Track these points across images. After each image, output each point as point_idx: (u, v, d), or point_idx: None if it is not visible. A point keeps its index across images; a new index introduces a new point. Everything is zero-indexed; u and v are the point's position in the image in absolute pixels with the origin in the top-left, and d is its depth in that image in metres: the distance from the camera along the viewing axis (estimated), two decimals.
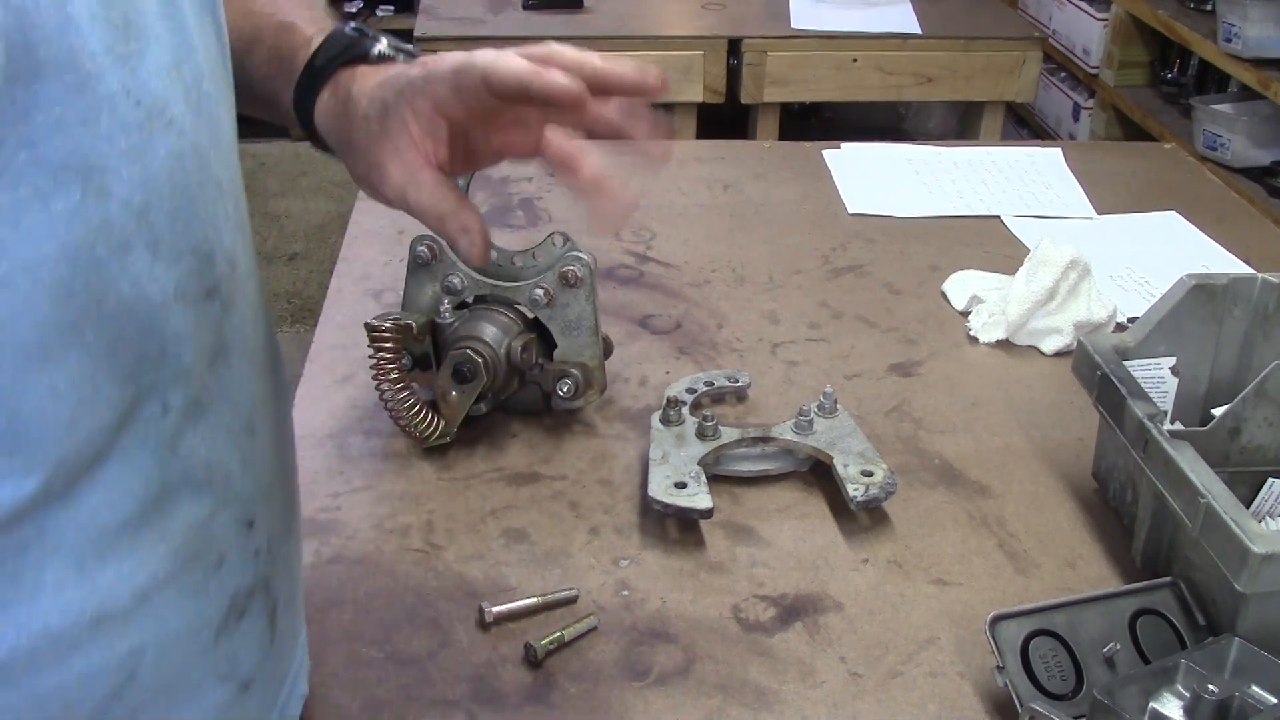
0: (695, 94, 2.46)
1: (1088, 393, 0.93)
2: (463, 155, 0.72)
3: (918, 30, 2.49)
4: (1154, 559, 0.88)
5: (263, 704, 0.63)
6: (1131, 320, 1.19)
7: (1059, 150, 1.67)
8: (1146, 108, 3.04)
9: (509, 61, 0.62)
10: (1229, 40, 2.55)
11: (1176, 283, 0.97)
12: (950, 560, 0.91)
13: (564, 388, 1.00)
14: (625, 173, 0.69)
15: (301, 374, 1.11)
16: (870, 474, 0.94)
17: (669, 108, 2.52)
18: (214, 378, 0.54)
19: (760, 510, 0.96)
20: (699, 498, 0.90)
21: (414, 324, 0.99)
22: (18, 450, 0.45)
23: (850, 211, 1.48)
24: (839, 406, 1.01)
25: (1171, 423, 0.94)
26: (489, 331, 0.99)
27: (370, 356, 0.98)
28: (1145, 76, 3.18)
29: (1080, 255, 1.18)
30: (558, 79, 0.62)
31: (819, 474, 0.99)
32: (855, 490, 0.92)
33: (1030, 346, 1.20)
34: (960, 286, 1.28)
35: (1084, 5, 3.27)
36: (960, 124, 2.88)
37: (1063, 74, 3.46)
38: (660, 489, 0.91)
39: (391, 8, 4.18)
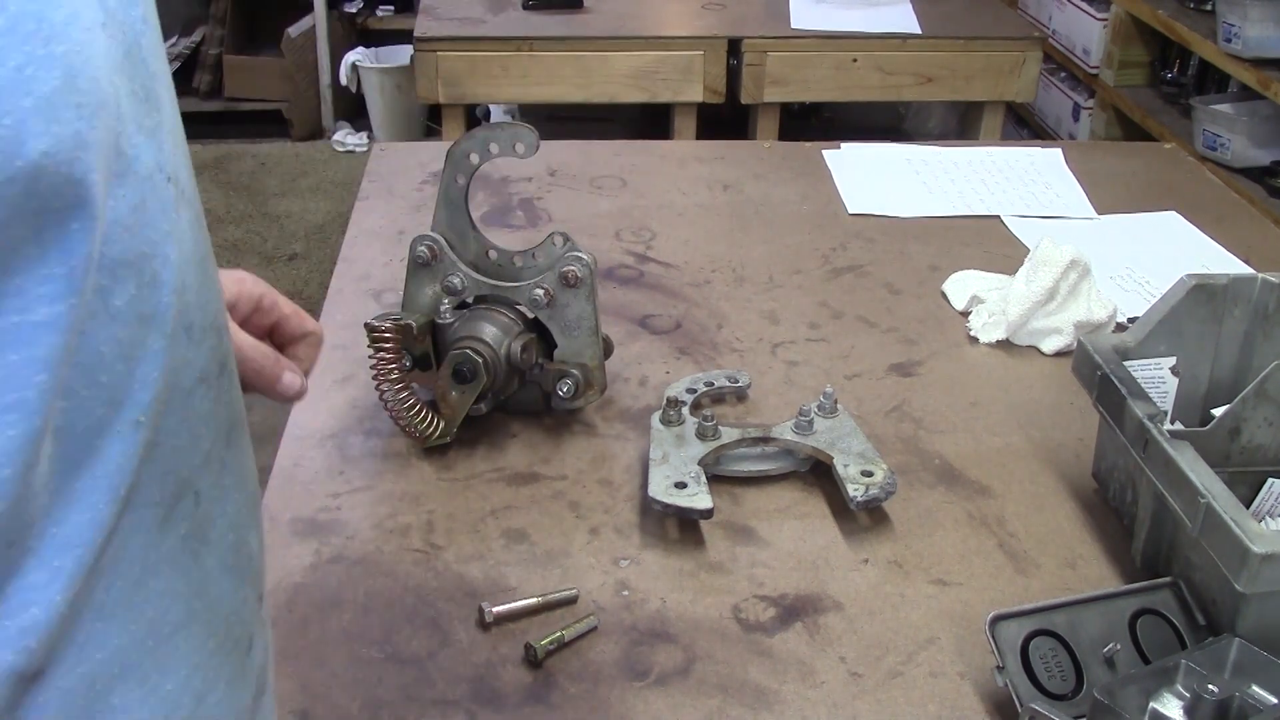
0: (695, 94, 2.46)
1: (1088, 393, 0.93)
2: None
3: (918, 30, 2.49)
4: (1154, 559, 0.88)
5: None
6: (1131, 320, 1.19)
7: (1059, 150, 1.67)
8: (1146, 108, 3.04)
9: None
10: (1229, 40, 2.55)
11: (1176, 283, 0.97)
12: (950, 560, 0.91)
13: (564, 388, 1.00)
14: None
15: None
16: (870, 474, 0.94)
17: (669, 108, 2.53)
18: (230, 454, 0.52)
19: (760, 510, 0.96)
20: (699, 498, 0.90)
21: (414, 324, 0.99)
22: (63, 556, 0.42)
23: (850, 211, 1.48)
24: (839, 406, 1.01)
25: (1171, 423, 0.94)
26: (489, 331, 0.99)
27: (370, 356, 0.98)
28: (1145, 76, 3.18)
29: (1080, 255, 1.18)
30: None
31: (819, 474, 0.99)
32: (855, 490, 0.92)
33: (1030, 346, 1.20)
34: (960, 286, 1.28)
35: (1084, 5, 3.27)
36: (960, 124, 2.88)
37: (1063, 74, 3.46)
38: (660, 489, 0.91)
39: (391, 8, 4.18)
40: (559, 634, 0.81)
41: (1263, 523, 0.90)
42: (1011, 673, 0.75)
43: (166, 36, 4.14)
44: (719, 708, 0.78)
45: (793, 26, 2.49)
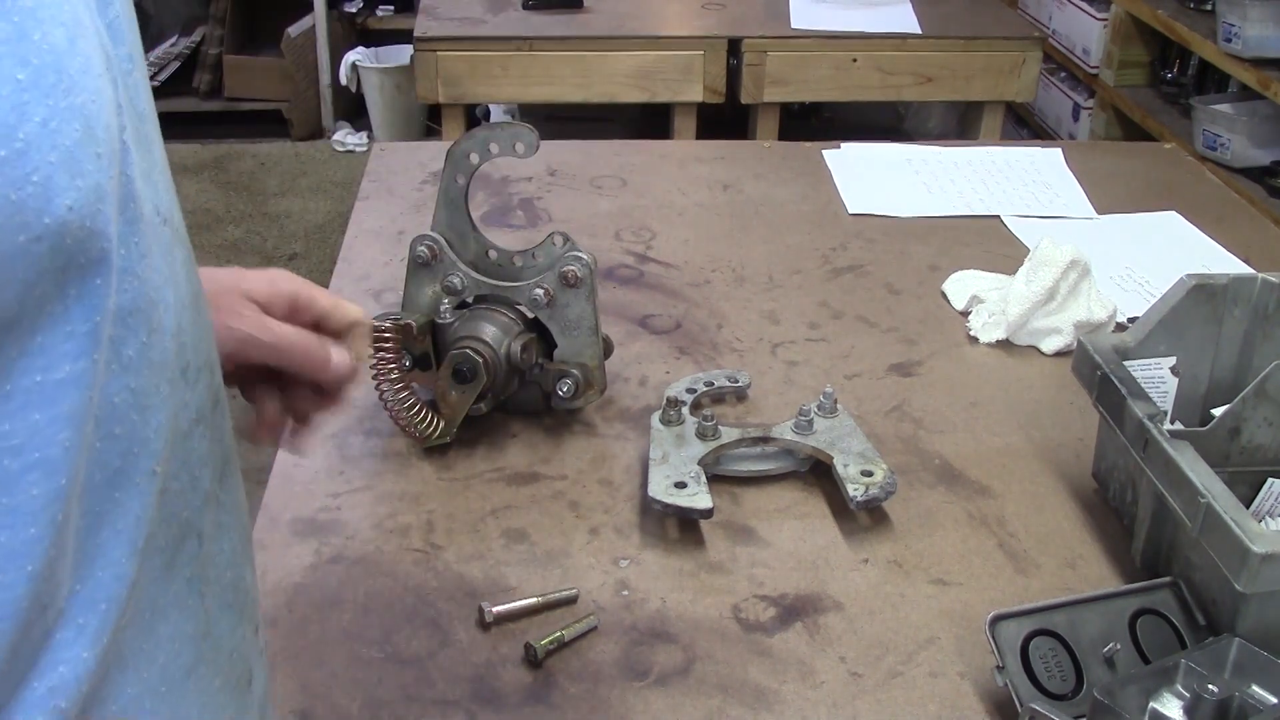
0: (695, 94, 2.46)
1: (1088, 393, 0.93)
2: None
3: (918, 30, 2.49)
4: (1154, 559, 0.88)
5: None
6: (1131, 320, 1.19)
7: (1059, 150, 1.67)
8: (1146, 108, 3.04)
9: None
10: (1229, 40, 2.55)
11: (1176, 283, 0.97)
12: (950, 560, 0.91)
13: (564, 388, 1.00)
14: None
15: None
16: (870, 474, 0.94)
17: (669, 108, 2.53)
18: (224, 491, 0.51)
19: (760, 510, 0.96)
20: (699, 498, 0.90)
21: (414, 324, 0.99)
22: (88, 614, 0.41)
23: (850, 211, 1.48)
24: (839, 406, 1.01)
25: (1171, 423, 0.94)
26: (489, 331, 0.99)
27: (370, 356, 0.98)
28: (1145, 76, 3.18)
29: (1080, 255, 1.18)
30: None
31: (819, 474, 0.99)
32: (855, 490, 0.92)
33: (1030, 346, 1.20)
34: (960, 286, 1.28)
35: (1084, 5, 3.27)
36: (960, 124, 2.88)
37: (1063, 74, 3.46)
38: (660, 489, 0.91)
39: (391, 8, 4.18)
40: (559, 634, 0.81)
41: (1263, 523, 0.90)
42: (1011, 673, 0.75)
43: (166, 37, 4.15)
44: (719, 708, 0.78)
45: (793, 26, 2.49)
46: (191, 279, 0.47)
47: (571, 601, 0.85)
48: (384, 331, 0.97)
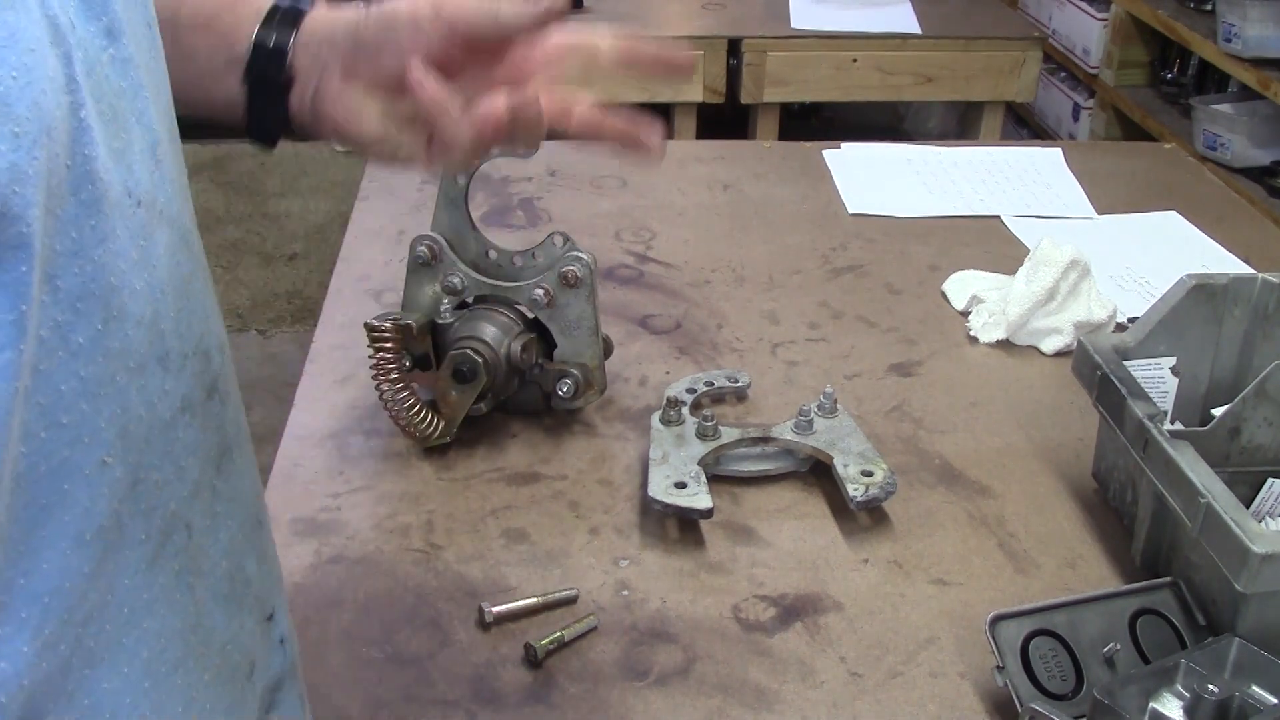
0: (695, 94, 2.46)
1: (1088, 393, 0.93)
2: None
3: (918, 30, 2.49)
4: (1154, 559, 0.88)
5: None
6: (1131, 320, 1.19)
7: (1059, 150, 1.67)
8: (1146, 108, 3.04)
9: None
10: (1229, 40, 2.55)
11: (1176, 283, 0.97)
12: (950, 560, 0.91)
13: (564, 388, 1.00)
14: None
15: (301, 374, 1.11)
16: (870, 474, 0.94)
17: (669, 108, 2.53)
18: (222, 480, 0.50)
19: (760, 510, 0.96)
20: (699, 498, 0.90)
21: (414, 324, 0.99)
22: (30, 607, 0.39)
23: (850, 211, 1.48)
24: (839, 406, 1.01)
25: (1171, 423, 0.94)
26: (489, 331, 0.99)
27: (370, 356, 0.98)
28: (1145, 76, 3.18)
29: (1080, 255, 1.18)
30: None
31: (819, 474, 0.99)
32: (855, 490, 0.92)
33: (1030, 346, 1.20)
34: (960, 286, 1.28)
35: (1084, 5, 3.27)
36: (960, 124, 2.88)
37: (1063, 74, 3.46)
38: (660, 489, 0.91)
39: None
40: (559, 634, 0.81)
41: (1263, 523, 0.90)
42: (1011, 673, 0.75)
43: None
44: (719, 708, 0.78)
45: (793, 26, 2.49)
46: (179, 263, 0.45)
47: (571, 601, 0.85)
48: (384, 331, 0.97)
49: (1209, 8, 2.76)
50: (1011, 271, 1.23)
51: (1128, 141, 2.93)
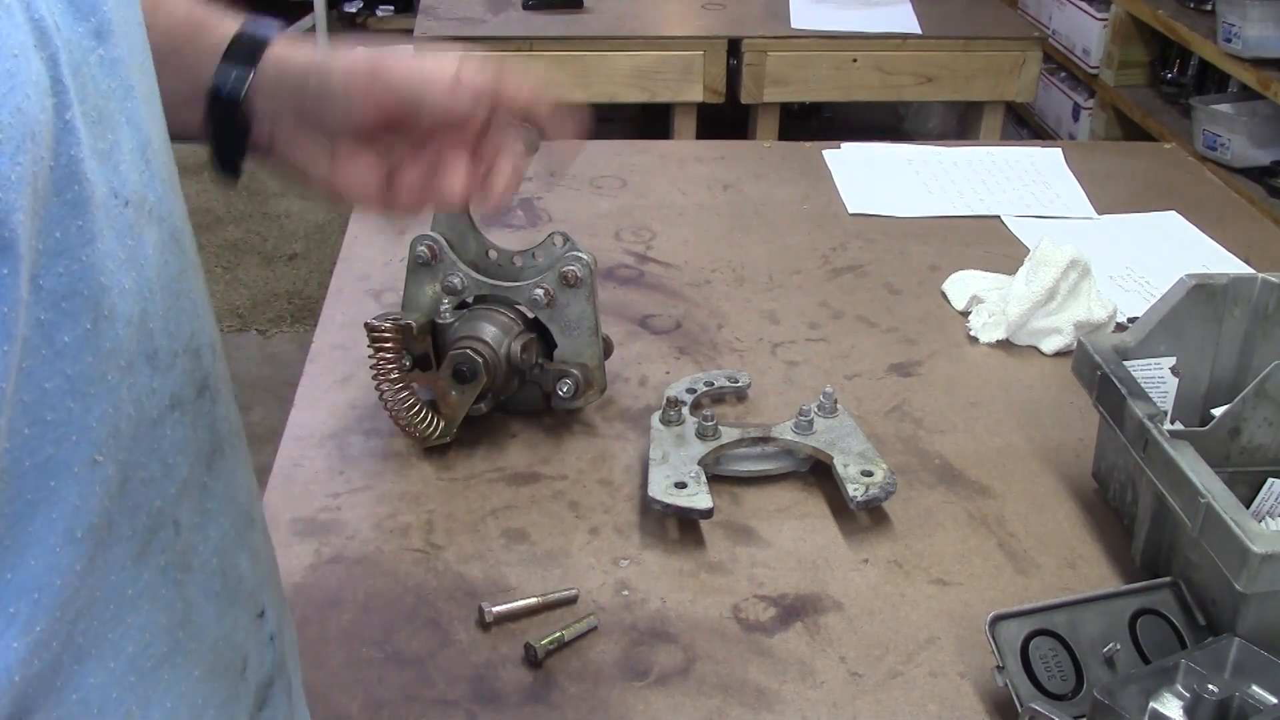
0: (695, 94, 2.46)
1: (1088, 393, 0.93)
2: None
3: (918, 30, 2.49)
4: (1154, 559, 0.88)
5: None
6: (1131, 320, 1.19)
7: (1059, 150, 1.67)
8: (1146, 108, 3.04)
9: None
10: (1229, 40, 2.55)
11: (1176, 283, 0.97)
12: (950, 560, 0.91)
13: (564, 388, 1.00)
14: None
15: (301, 374, 1.11)
16: (870, 474, 0.94)
17: (669, 108, 2.53)
18: (213, 478, 0.50)
19: (760, 510, 0.96)
20: (699, 498, 0.90)
21: (414, 324, 0.99)
22: (18, 602, 0.39)
23: (850, 211, 1.48)
24: (839, 406, 1.01)
25: (1171, 423, 0.94)
26: (489, 331, 0.99)
27: (370, 356, 0.98)
28: (1145, 76, 3.18)
29: (1080, 255, 1.18)
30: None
31: (819, 474, 0.99)
32: (855, 490, 0.92)
33: (1030, 346, 1.20)
34: (960, 286, 1.28)
35: (1084, 5, 3.27)
36: (960, 124, 2.88)
37: (1063, 74, 3.46)
38: (660, 489, 0.91)
39: (391, 8, 4.18)
40: (559, 634, 0.81)
41: (1263, 523, 0.90)
42: (1011, 673, 0.75)
43: None
44: (719, 708, 0.78)
45: (793, 26, 2.49)
46: (169, 261, 0.46)
47: (571, 601, 0.85)
48: (384, 331, 0.97)
49: (1209, 8, 2.76)
50: (1011, 271, 1.23)
51: (1128, 141, 2.93)
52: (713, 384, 1.09)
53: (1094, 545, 0.94)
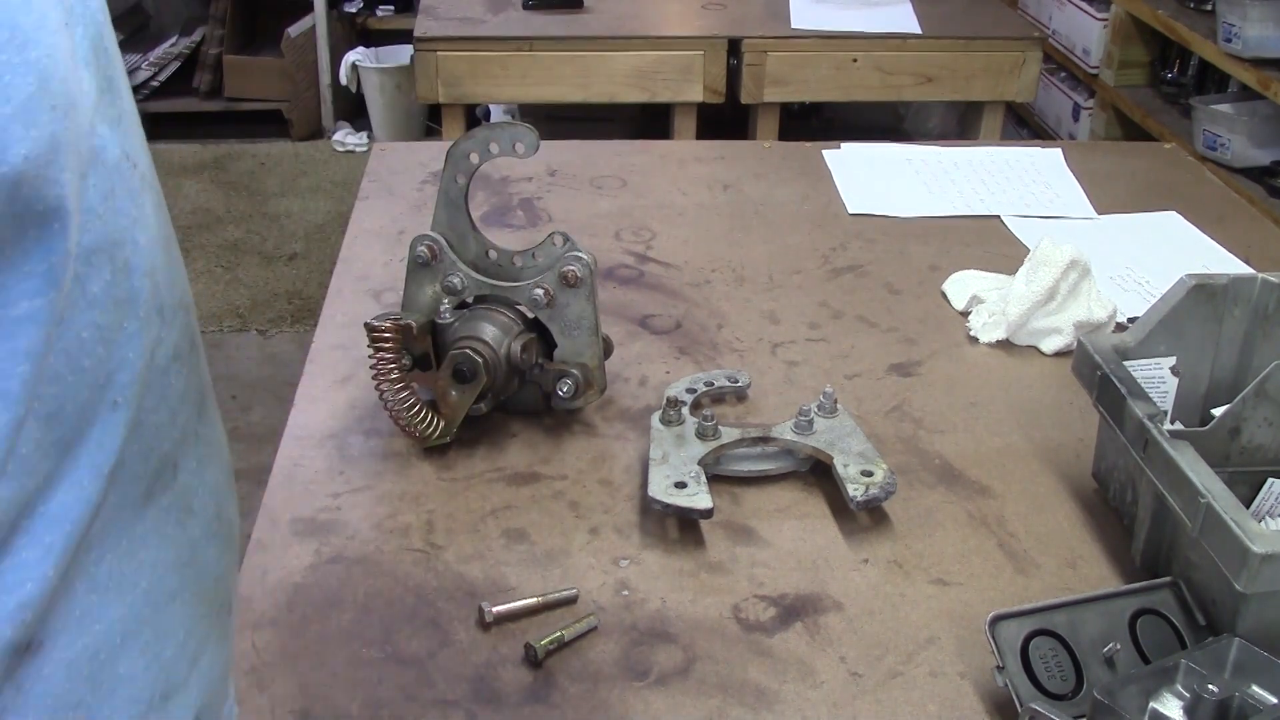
0: (695, 94, 2.46)
1: (1088, 393, 0.93)
2: None
3: (918, 30, 2.49)
4: (1154, 559, 0.88)
5: None
6: (1131, 320, 1.19)
7: (1059, 150, 1.67)
8: (1146, 108, 3.04)
9: None
10: (1229, 40, 2.55)
11: (1176, 283, 0.97)
12: (950, 560, 0.91)
13: (564, 388, 1.00)
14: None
15: (301, 374, 1.11)
16: (870, 474, 0.94)
17: (669, 108, 2.53)
18: (204, 427, 0.54)
19: (760, 510, 0.96)
20: (699, 498, 0.90)
21: (414, 324, 0.99)
22: (53, 532, 0.44)
23: (850, 211, 1.48)
24: (839, 406, 1.01)
25: (1171, 423, 0.94)
26: (489, 331, 0.99)
27: (370, 356, 0.98)
28: (1145, 76, 3.19)
29: (1080, 255, 1.18)
30: None
31: (819, 474, 0.99)
32: (855, 490, 0.92)
33: (1030, 346, 1.20)
34: (960, 286, 1.28)
35: (1084, 5, 3.27)
36: (960, 124, 2.88)
37: (1063, 74, 3.46)
38: (660, 489, 0.91)
39: (391, 8, 4.18)
40: (559, 634, 0.81)
41: (1263, 523, 0.90)
42: (1011, 673, 0.75)
43: (166, 37, 4.15)
44: (719, 708, 0.78)
45: (793, 26, 2.49)
46: (162, 223, 0.50)
47: (571, 601, 0.85)
48: (384, 331, 0.97)
49: (1209, 8, 2.77)
50: (1011, 271, 1.23)
51: (1128, 141, 2.93)
52: (713, 384, 1.09)
53: (1094, 545, 0.94)
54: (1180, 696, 0.70)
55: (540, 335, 1.01)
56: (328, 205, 3.65)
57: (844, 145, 1.67)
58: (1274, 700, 0.71)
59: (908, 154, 1.65)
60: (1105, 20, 3.19)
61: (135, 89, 3.46)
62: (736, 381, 1.10)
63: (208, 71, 4.09)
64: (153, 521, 0.49)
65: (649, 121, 2.87)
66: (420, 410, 0.97)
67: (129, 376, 0.46)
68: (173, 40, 4.13)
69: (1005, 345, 1.20)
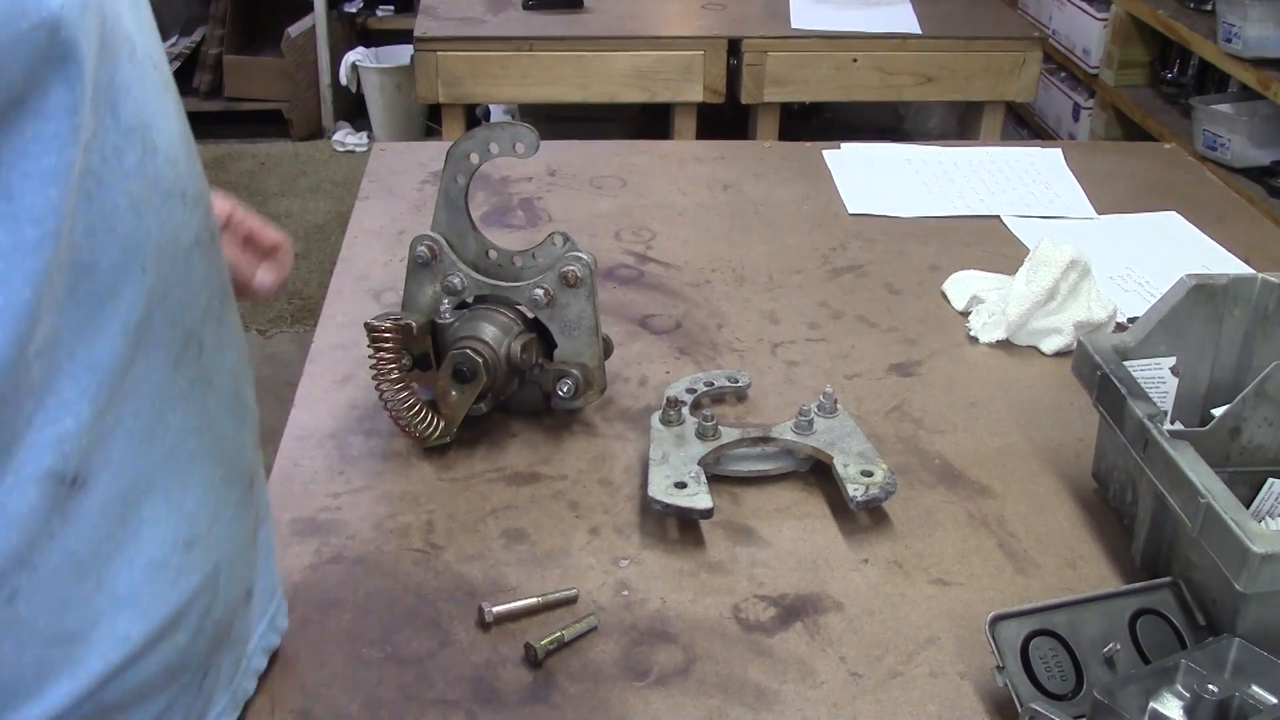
0: (695, 94, 2.47)
1: (1088, 393, 0.93)
2: None
3: (918, 30, 2.49)
4: (1154, 559, 0.88)
5: (268, 615, 0.75)
6: (1131, 320, 1.19)
7: (1059, 150, 1.67)
8: (1146, 108, 3.04)
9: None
10: (1229, 40, 2.55)
11: (1176, 283, 0.97)
12: (950, 560, 0.91)
13: (564, 388, 1.00)
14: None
15: (301, 374, 1.11)
16: (870, 474, 0.94)
17: (669, 108, 2.53)
18: (225, 314, 0.61)
19: (760, 510, 0.96)
20: (699, 498, 0.90)
21: (414, 324, 0.99)
22: (88, 377, 0.51)
23: (850, 211, 1.48)
24: (839, 406, 1.01)
25: (1171, 423, 0.94)
26: (489, 331, 0.99)
27: (370, 356, 0.98)
28: (1145, 76, 3.18)
29: (1080, 255, 1.18)
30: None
31: (819, 474, 0.99)
32: (855, 490, 0.92)
33: (1030, 346, 1.20)
34: (960, 286, 1.28)
35: (1084, 5, 3.27)
36: (960, 124, 2.88)
37: (1063, 74, 3.46)
38: (660, 489, 0.91)
39: (392, 8, 4.18)
40: (559, 634, 0.81)
41: (1263, 523, 0.90)
42: (1011, 673, 0.75)
43: (166, 36, 4.15)
44: (719, 708, 0.78)
45: (793, 26, 2.49)
46: (183, 123, 0.57)
47: (571, 601, 0.85)
48: (384, 331, 0.97)
49: (1209, 8, 2.77)
50: (1011, 271, 1.23)
51: (1128, 141, 2.93)
52: (713, 384, 1.09)
53: (1094, 545, 0.94)
54: (1180, 696, 0.70)
55: (540, 335, 1.01)
56: (328, 205, 3.65)
57: (844, 145, 1.67)
58: (1274, 700, 0.71)
59: (908, 154, 1.65)
60: (1105, 20, 3.19)
61: None
62: (736, 381, 1.10)
63: (208, 71, 4.09)
64: (179, 388, 0.56)
65: (649, 121, 2.87)
66: (420, 410, 0.97)
67: (155, 246, 0.53)
68: (173, 40, 4.13)
69: (1005, 345, 1.20)
